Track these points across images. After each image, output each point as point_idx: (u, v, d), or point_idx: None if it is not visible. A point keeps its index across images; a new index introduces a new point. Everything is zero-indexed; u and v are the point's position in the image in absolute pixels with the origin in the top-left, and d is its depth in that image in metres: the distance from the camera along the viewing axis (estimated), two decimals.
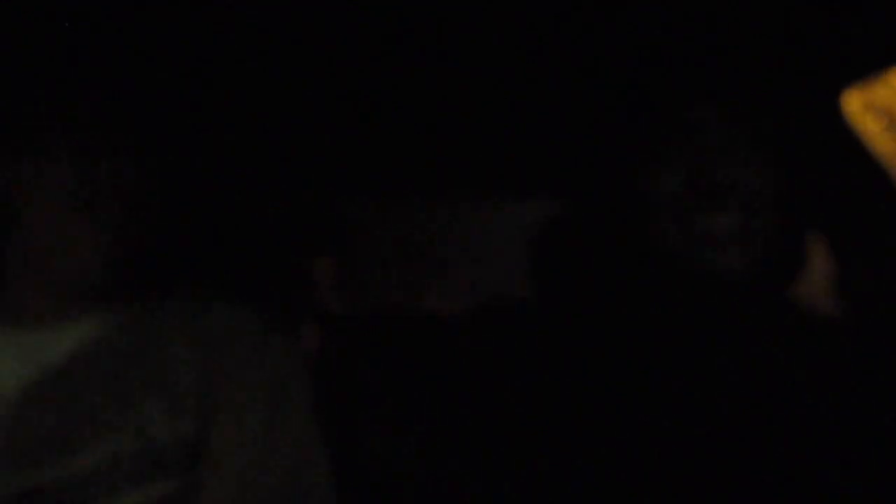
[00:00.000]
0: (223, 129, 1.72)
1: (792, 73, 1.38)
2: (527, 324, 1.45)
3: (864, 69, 1.51)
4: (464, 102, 1.91)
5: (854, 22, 1.47)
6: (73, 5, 1.47)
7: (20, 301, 1.48)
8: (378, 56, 1.82)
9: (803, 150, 1.38)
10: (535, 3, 1.64)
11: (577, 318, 1.43)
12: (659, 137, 1.38)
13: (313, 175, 2.09)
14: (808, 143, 1.39)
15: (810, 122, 1.42)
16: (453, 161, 2.03)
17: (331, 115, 1.97)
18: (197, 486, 1.45)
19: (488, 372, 1.43)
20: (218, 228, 1.91)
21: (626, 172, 1.41)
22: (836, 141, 1.52)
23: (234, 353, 1.50)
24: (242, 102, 1.83)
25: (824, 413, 1.37)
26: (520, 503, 1.38)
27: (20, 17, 1.46)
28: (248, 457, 1.47)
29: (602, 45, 1.53)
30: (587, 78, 1.51)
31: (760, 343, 1.39)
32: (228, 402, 1.48)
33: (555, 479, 1.37)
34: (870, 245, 1.61)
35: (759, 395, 1.37)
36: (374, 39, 1.77)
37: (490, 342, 1.45)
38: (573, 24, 1.63)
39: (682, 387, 1.38)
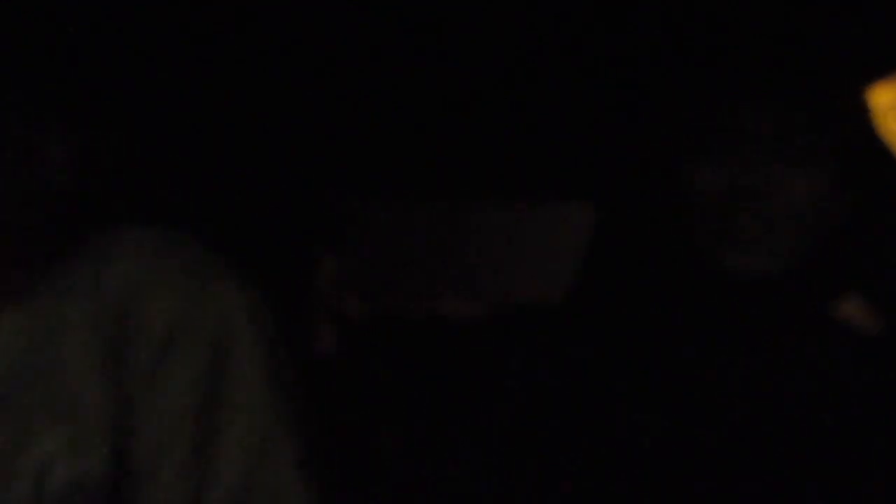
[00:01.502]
0: (241, 133, 1.72)
1: (822, 70, 1.37)
2: (545, 328, 1.45)
3: (892, 65, 1.50)
4: (486, 103, 1.91)
5: (880, 16, 1.46)
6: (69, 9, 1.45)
7: None
8: (399, 56, 1.82)
9: (843, 153, 1.37)
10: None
11: (598, 323, 1.43)
12: (702, 139, 1.37)
13: (329, 176, 2.09)
14: (846, 146, 1.38)
15: (839, 120, 1.41)
16: (472, 163, 2.03)
17: (352, 116, 1.97)
18: None
19: (503, 376, 1.43)
20: (231, 228, 1.91)
21: (662, 173, 1.40)
22: (862, 140, 1.50)
23: (139, 340, 1.14)
24: (258, 108, 1.82)
25: (846, 421, 1.36)
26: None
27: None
28: (180, 490, 1.13)
29: (643, 43, 1.53)
30: (619, 77, 1.51)
31: (787, 351, 1.39)
32: (140, 416, 1.13)
33: (574, 483, 1.37)
34: None
35: (782, 402, 1.37)
36: (397, 39, 1.77)
37: (507, 346, 1.45)
38: (613, 20, 1.62)
39: (704, 391, 1.37)
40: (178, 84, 1.52)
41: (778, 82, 1.37)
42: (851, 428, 1.36)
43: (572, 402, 1.40)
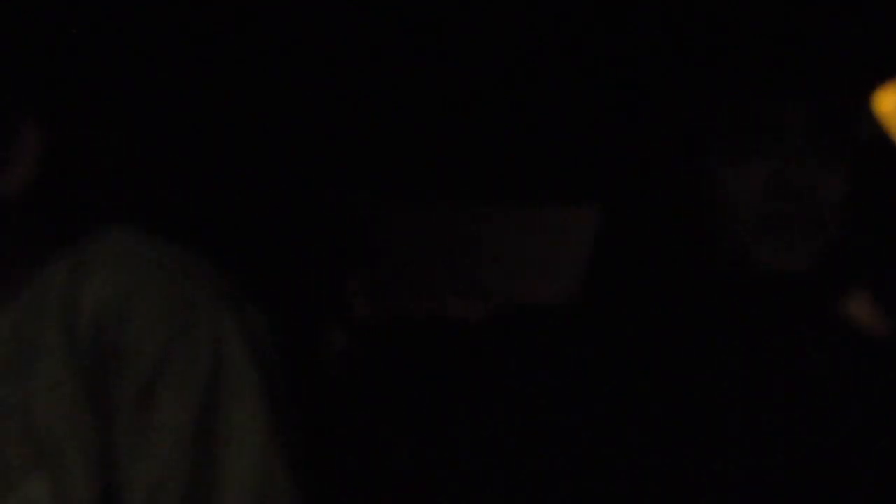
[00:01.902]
0: (247, 136, 1.72)
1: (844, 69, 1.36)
2: (549, 329, 1.45)
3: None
4: (495, 109, 1.91)
5: (886, 18, 1.46)
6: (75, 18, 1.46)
7: None
8: (405, 61, 1.82)
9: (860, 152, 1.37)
10: None
11: (601, 324, 1.43)
12: (738, 138, 1.36)
13: (340, 183, 2.09)
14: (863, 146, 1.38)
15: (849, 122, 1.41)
16: (479, 166, 2.03)
17: (360, 120, 1.97)
18: None
19: (507, 377, 1.43)
20: (247, 242, 1.92)
21: (688, 172, 1.40)
22: (869, 143, 1.51)
23: (123, 373, 0.98)
24: (265, 110, 1.83)
25: (849, 422, 1.36)
26: None
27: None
28: None
29: (662, 42, 1.53)
30: (628, 78, 1.51)
31: (791, 352, 1.39)
32: (139, 458, 1.00)
33: (575, 483, 1.36)
34: None
35: (786, 403, 1.37)
36: (407, 46, 1.77)
37: (512, 347, 1.45)
38: (634, 21, 1.62)
39: (707, 392, 1.37)
40: (182, 84, 1.52)
41: (807, 80, 1.36)
42: (854, 429, 1.36)
43: (573, 402, 1.39)
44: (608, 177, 1.54)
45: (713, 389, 1.38)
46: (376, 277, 2.20)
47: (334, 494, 1.47)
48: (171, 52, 1.51)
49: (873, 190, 1.47)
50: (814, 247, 1.35)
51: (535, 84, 1.84)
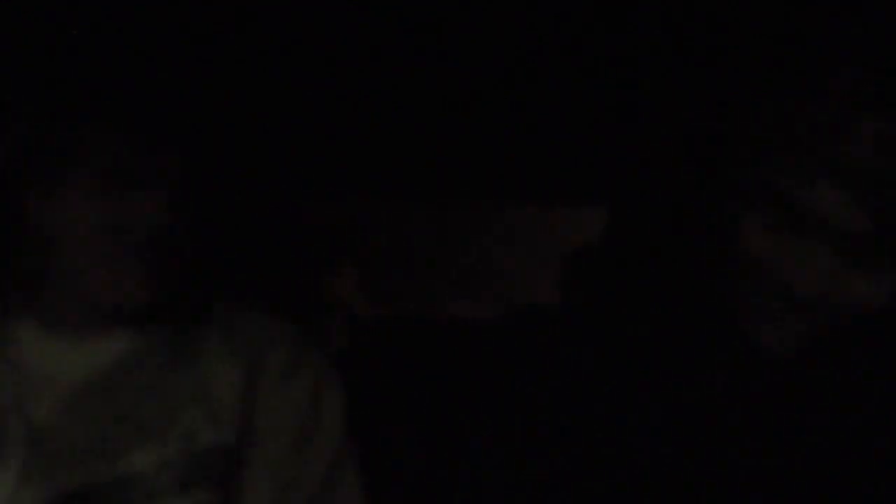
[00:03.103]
0: (243, 137, 1.72)
1: None
2: (553, 332, 1.44)
3: None
4: (494, 107, 1.90)
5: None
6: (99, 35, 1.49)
7: (62, 315, 1.54)
8: (407, 59, 1.81)
9: None
10: None
11: (605, 328, 1.42)
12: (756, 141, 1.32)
13: (337, 182, 2.08)
14: None
15: None
16: (480, 166, 2.02)
17: (362, 120, 1.97)
18: (236, 494, 1.53)
19: (509, 376, 1.43)
20: (246, 242, 1.91)
21: (701, 172, 1.38)
22: None
23: (269, 367, 1.58)
24: (262, 111, 1.83)
25: (848, 424, 1.36)
26: None
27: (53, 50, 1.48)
28: (281, 473, 1.55)
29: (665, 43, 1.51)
30: (628, 78, 1.49)
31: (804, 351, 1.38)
32: (263, 415, 1.56)
33: (576, 483, 1.36)
34: None
35: (783, 406, 1.36)
36: (409, 42, 1.77)
37: (515, 349, 1.45)
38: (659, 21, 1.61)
39: (707, 393, 1.37)
40: (181, 85, 1.52)
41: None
42: (855, 429, 1.36)
43: (574, 402, 1.39)
44: (611, 177, 1.54)
45: (714, 390, 1.38)
46: (376, 277, 2.20)
47: None
48: (171, 52, 1.51)
49: None
50: None
51: (535, 84, 1.83)
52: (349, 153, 2.04)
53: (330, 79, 1.92)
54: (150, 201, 1.47)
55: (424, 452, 1.56)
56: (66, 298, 1.53)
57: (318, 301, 2.10)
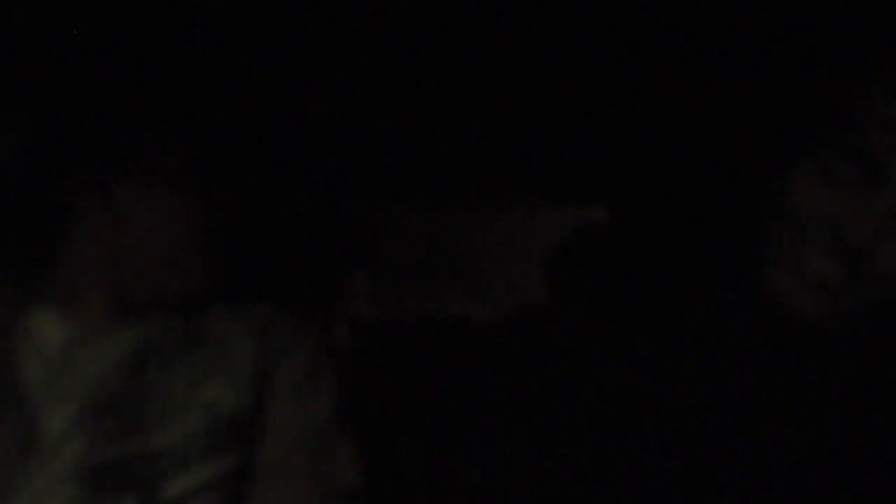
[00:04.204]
0: (251, 139, 1.73)
1: None
2: (555, 331, 1.45)
3: None
4: (494, 107, 1.91)
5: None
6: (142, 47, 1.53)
7: (88, 304, 1.64)
8: (407, 60, 1.82)
9: None
10: None
11: (606, 327, 1.43)
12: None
13: (342, 182, 2.08)
14: None
15: None
16: (483, 166, 2.02)
17: (363, 121, 1.97)
18: (254, 460, 1.65)
19: (510, 377, 1.43)
20: (264, 240, 1.92)
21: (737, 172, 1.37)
22: None
23: (278, 343, 1.71)
24: (267, 112, 1.83)
25: (847, 425, 1.36)
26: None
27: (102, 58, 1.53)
28: (287, 436, 1.67)
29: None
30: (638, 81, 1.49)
31: (792, 350, 1.38)
32: (274, 384, 1.69)
33: (576, 483, 1.37)
34: None
35: (784, 404, 1.36)
36: (411, 44, 1.77)
37: (517, 349, 1.45)
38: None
39: (707, 392, 1.37)
40: (184, 87, 1.53)
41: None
42: (854, 430, 1.36)
43: (574, 402, 1.39)
44: (613, 177, 1.54)
45: (715, 390, 1.38)
46: (378, 277, 2.20)
47: None
48: (169, 52, 1.51)
49: None
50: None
51: (536, 83, 1.83)
52: (349, 153, 2.04)
53: (330, 79, 1.92)
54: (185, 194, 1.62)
55: (424, 451, 1.56)
56: (91, 287, 1.64)
57: (327, 302, 2.11)
